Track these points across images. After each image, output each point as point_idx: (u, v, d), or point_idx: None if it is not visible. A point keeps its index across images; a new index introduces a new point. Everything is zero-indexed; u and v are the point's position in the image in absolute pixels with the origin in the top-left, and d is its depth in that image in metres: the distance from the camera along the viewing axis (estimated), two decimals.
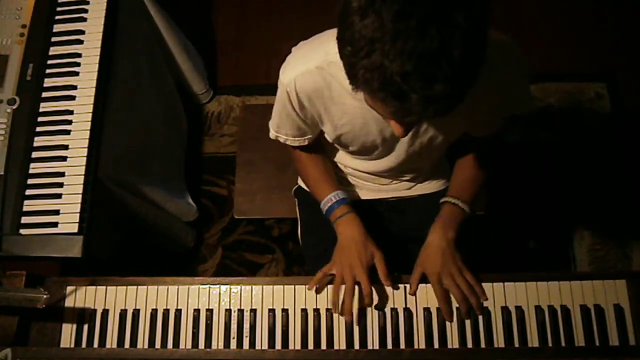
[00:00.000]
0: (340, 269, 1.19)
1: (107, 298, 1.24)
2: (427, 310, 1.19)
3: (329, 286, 1.22)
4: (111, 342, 1.21)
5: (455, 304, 1.19)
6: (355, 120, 1.10)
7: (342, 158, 1.34)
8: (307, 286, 1.21)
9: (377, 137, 1.14)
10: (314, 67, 1.03)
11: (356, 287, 1.19)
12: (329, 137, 1.19)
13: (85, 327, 1.22)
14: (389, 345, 1.18)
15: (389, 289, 1.21)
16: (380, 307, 1.21)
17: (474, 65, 0.77)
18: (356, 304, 1.19)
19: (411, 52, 0.71)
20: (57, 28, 1.48)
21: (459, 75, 0.75)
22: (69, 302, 1.23)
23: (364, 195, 1.43)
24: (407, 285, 1.21)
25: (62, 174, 1.33)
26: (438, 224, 1.22)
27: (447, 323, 1.19)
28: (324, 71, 1.03)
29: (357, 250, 1.20)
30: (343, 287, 1.19)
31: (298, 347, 1.19)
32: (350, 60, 0.78)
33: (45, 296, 1.13)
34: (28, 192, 1.33)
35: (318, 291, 1.22)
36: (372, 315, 1.20)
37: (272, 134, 1.26)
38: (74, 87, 1.41)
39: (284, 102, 1.12)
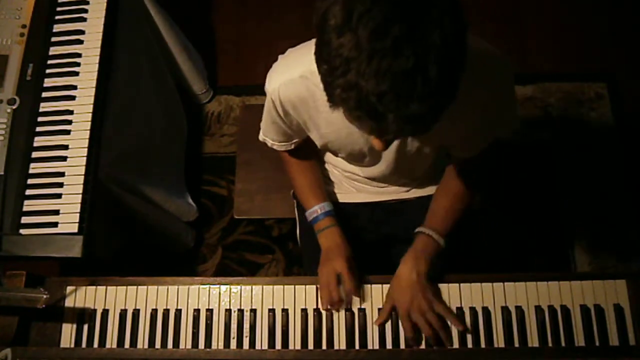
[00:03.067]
0: (325, 273, 1.21)
1: (107, 298, 1.24)
2: None
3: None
4: (111, 342, 1.21)
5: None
6: (340, 130, 1.09)
7: (339, 162, 1.34)
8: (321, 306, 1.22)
9: (364, 146, 1.13)
10: (297, 77, 1.03)
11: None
12: (317, 143, 1.19)
13: (85, 327, 1.22)
14: (389, 345, 1.18)
15: (388, 289, 1.21)
16: (380, 308, 1.20)
17: (450, 84, 0.75)
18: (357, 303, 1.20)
19: (386, 72, 0.70)
20: (57, 28, 1.48)
21: (435, 94, 0.73)
22: (69, 302, 1.23)
23: (362, 198, 1.43)
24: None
25: (62, 174, 1.33)
26: (410, 256, 1.21)
27: (447, 323, 1.18)
28: (307, 80, 1.02)
29: (338, 254, 1.23)
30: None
31: (298, 347, 1.19)
32: (326, 79, 0.77)
33: (45, 296, 1.13)
34: (28, 192, 1.33)
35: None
36: (372, 315, 1.20)
37: (261, 137, 1.27)
38: (74, 87, 1.41)
39: (270, 108, 1.13)
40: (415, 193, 1.41)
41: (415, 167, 1.26)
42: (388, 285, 1.21)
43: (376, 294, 1.22)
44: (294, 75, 1.03)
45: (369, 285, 1.22)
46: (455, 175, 1.25)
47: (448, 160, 1.27)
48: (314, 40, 1.03)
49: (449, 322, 1.18)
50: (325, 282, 1.21)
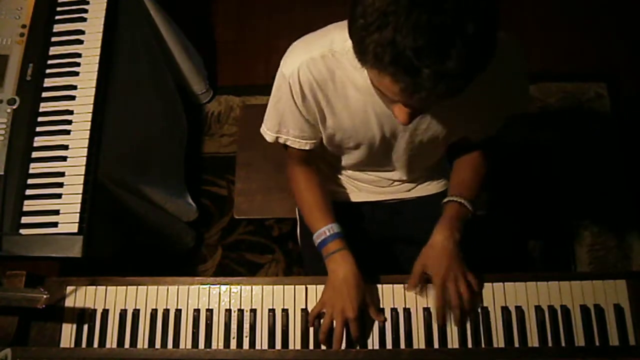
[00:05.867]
0: (330, 311, 1.16)
1: (107, 298, 1.24)
2: (427, 310, 1.19)
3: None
4: (111, 342, 1.21)
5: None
6: (356, 114, 1.09)
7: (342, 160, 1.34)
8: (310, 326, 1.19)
9: (377, 133, 1.13)
10: (318, 56, 1.02)
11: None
12: (326, 134, 1.16)
13: (85, 327, 1.22)
14: (389, 345, 1.18)
15: (388, 289, 1.21)
16: (380, 307, 1.20)
17: (486, 45, 0.76)
18: None
19: (425, 27, 0.71)
20: (57, 28, 1.48)
21: (472, 53, 0.74)
22: (69, 302, 1.23)
23: (363, 197, 1.43)
24: (406, 285, 1.20)
25: (62, 174, 1.33)
26: (443, 224, 1.19)
27: (447, 323, 1.18)
28: (328, 60, 1.02)
29: (348, 294, 1.15)
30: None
31: (298, 347, 1.18)
32: (360, 34, 0.77)
33: (45, 296, 1.13)
34: (28, 192, 1.33)
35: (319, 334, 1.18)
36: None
37: (271, 136, 1.20)
38: (74, 87, 1.41)
39: (285, 95, 1.09)
40: (416, 192, 1.42)
41: (424, 160, 1.27)
42: (388, 286, 1.21)
43: (376, 294, 1.22)
44: (315, 55, 1.02)
45: (367, 285, 1.22)
46: (473, 152, 1.27)
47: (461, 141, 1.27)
48: (330, 25, 1.02)
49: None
50: (328, 319, 1.16)
